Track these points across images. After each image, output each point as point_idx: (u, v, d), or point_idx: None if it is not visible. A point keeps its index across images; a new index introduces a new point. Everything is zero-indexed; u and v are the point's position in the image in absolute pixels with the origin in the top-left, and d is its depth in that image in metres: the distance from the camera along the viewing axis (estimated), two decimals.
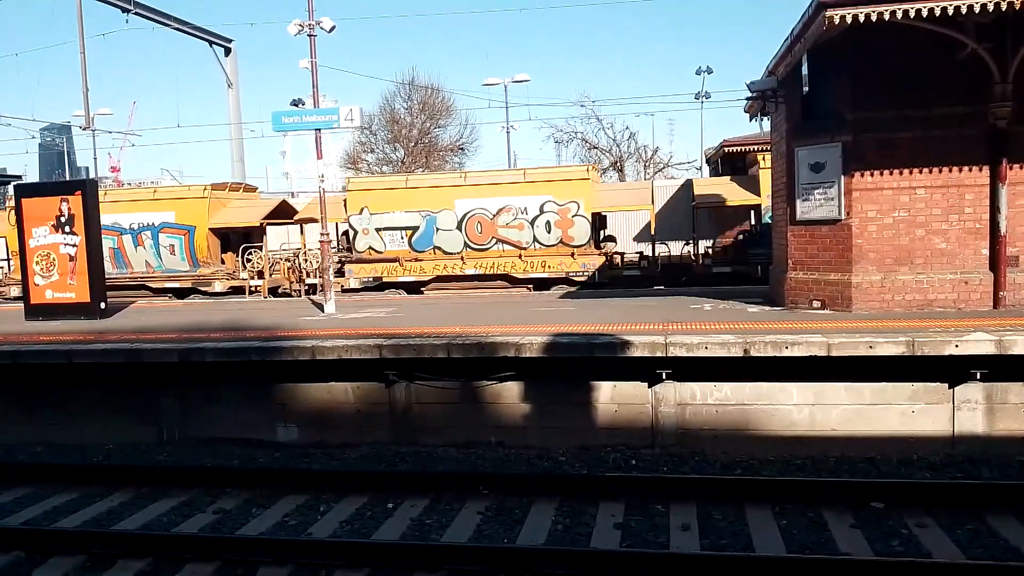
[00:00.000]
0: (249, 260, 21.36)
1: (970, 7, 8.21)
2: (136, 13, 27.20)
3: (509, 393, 9.51)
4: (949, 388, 8.55)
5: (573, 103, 56.17)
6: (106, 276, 21.07)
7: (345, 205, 20.82)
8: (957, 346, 8.15)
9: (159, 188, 24.14)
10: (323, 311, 13.91)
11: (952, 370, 8.43)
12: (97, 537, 6.62)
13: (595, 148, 43.27)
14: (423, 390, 9.64)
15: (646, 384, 9.12)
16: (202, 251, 21.18)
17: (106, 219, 20.63)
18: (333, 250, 22.29)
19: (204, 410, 10.25)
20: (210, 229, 21.29)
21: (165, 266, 21.52)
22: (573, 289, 18.52)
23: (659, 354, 8.75)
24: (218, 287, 20.98)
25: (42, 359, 10.35)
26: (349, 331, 10.75)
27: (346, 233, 22.17)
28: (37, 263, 14.26)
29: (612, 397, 9.29)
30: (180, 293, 21.15)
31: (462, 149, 46.13)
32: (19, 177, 32.45)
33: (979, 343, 8.13)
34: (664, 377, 8.93)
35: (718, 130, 76.17)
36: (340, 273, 20.77)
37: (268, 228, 22.22)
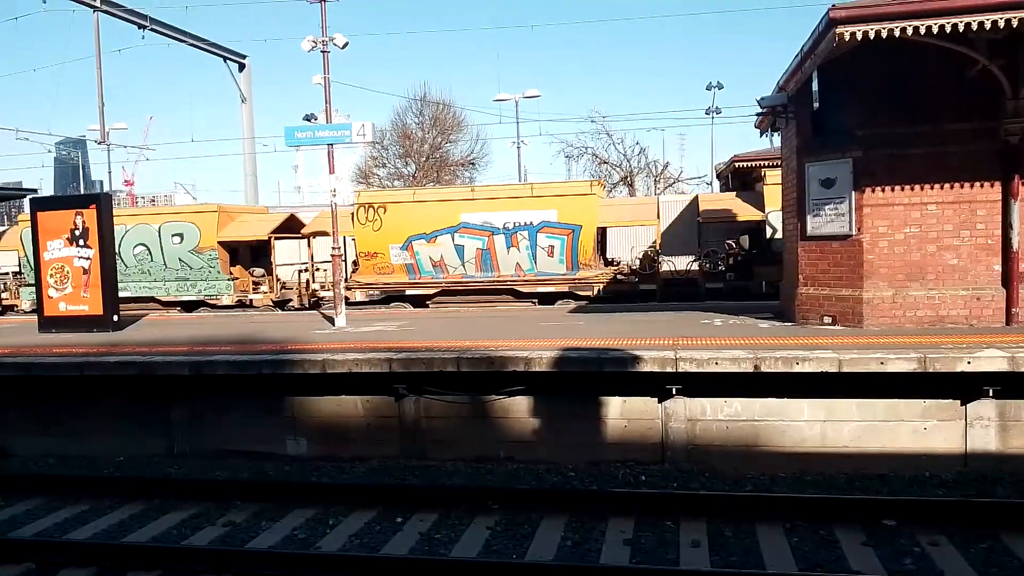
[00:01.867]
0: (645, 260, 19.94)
1: (981, 24, 8.22)
2: (152, 29, 27.54)
3: (518, 408, 9.50)
4: (961, 405, 8.49)
5: (584, 118, 56.36)
6: (469, 280, 19.97)
7: (762, 200, 19.18)
8: (969, 363, 8.10)
9: (537, 184, 22.31)
10: (334, 324, 13.95)
11: (964, 387, 8.37)
12: (108, 549, 6.65)
13: (605, 163, 43.40)
14: (433, 404, 9.65)
15: (656, 399, 9.10)
16: (586, 253, 19.24)
17: (476, 217, 19.62)
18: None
19: (215, 423, 10.29)
20: (597, 228, 19.59)
21: (538, 268, 19.66)
22: (583, 303, 18.51)
23: (669, 369, 8.73)
24: (599, 291, 19.30)
25: (54, 371, 10.43)
26: (359, 345, 10.78)
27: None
28: (51, 276, 14.40)
29: (622, 412, 9.27)
30: (550, 298, 19.19)
31: (473, 164, 46.40)
32: (35, 191, 32.73)
33: (992, 360, 8.08)
34: (674, 392, 8.90)
35: (729, 145, 76.06)
36: (747, 277, 19.44)
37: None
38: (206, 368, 9.94)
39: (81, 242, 14.21)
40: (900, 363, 8.21)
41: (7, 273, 26.42)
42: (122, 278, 21.26)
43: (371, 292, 20.85)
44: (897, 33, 8.42)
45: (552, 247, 19.38)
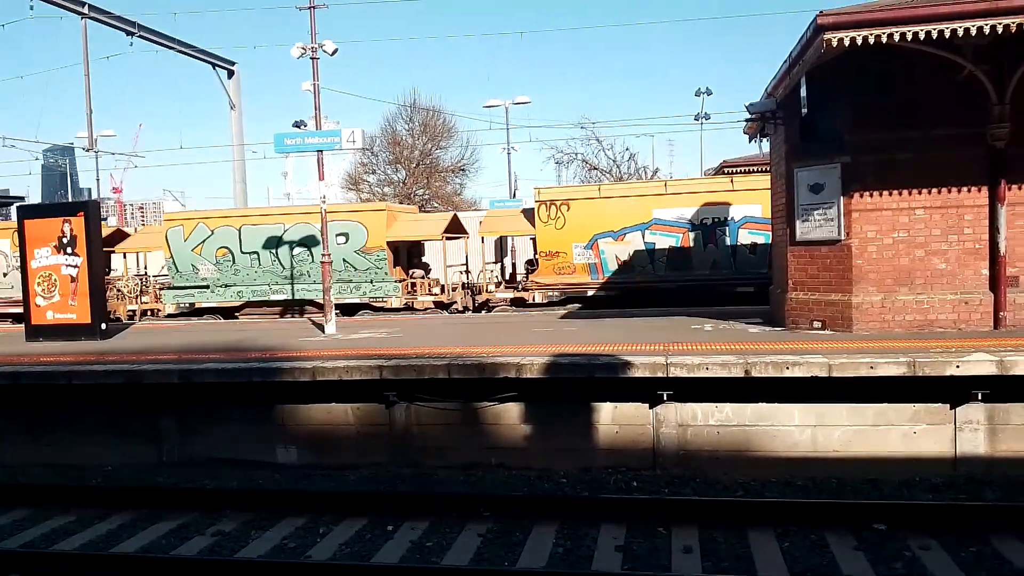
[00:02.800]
0: None
1: (967, 30, 8.29)
2: (140, 36, 27.46)
3: (510, 414, 9.48)
4: (951, 409, 8.52)
5: (573, 124, 56.50)
6: (659, 280, 18.27)
7: None
8: (958, 367, 8.14)
9: (739, 177, 20.92)
10: (324, 332, 13.91)
11: (953, 391, 8.40)
12: (96, 560, 6.59)
13: (595, 169, 43.54)
14: (423, 411, 9.62)
15: (647, 405, 9.10)
16: None
17: (670, 213, 18.35)
18: None
19: (204, 431, 10.22)
20: None
21: (737, 267, 18.51)
22: (575, 308, 18.51)
23: (660, 375, 8.74)
24: None
25: (42, 380, 10.34)
26: (350, 352, 10.75)
27: None
28: (39, 284, 14.30)
29: (613, 418, 9.26)
30: (750, 299, 17.27)
31: (463, 170, 46.45)
32: (22, 198, 32.58)
33: (980, 363, 8.12)
34: (665, 398, 8.91)
35: (718, 150, 76.43)
36: None
37: None
38: (195, 376, 9.88)
39: (69, 250, 14.12)
40: (889, 367, 8.24)
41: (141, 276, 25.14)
42: (278, 280, 20.52)
43: (550, 293, 19.74)
44: (884, 39, 8.48)
45: (755, 244, 18.16)
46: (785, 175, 11.40)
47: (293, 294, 20.50)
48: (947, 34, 8.36)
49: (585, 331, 12.34)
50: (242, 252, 20.81)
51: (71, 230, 14.09)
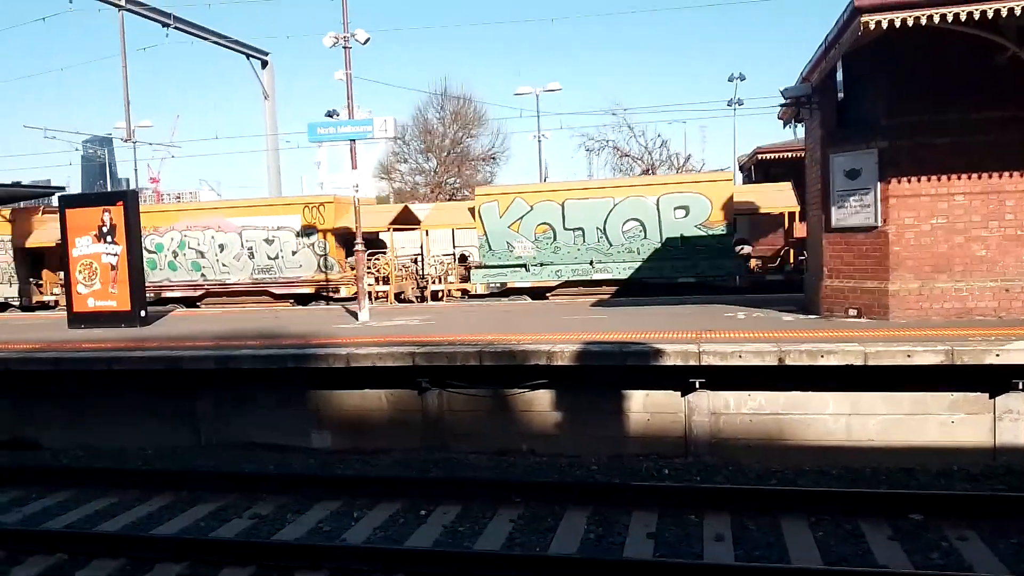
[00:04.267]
0: None
1: (1011, 10, 8.07)
2: (176, 27, 27.76)
3: (541, 401, 9.51)
4: (990, 398, 8.38)
5: (604, 111, 56.08)
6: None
7: None
8: (998, 355, 7.99)
9: None
10: (357, 319, 14.04)
11: (993, 380, 8.25)
12: (137, 541, 6.75)
13: (627, 156, 43.25)
14: (455, 398, 9.69)
15: (679, 393, 9.07)
16: None
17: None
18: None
19: (240, 416, 10.41)
20: None
21: None
22: (605, 297, 18.45)
23: (692, 363, 8.70)
24: None
25: (84, 366, 10.60)
26: (383, 339, 10.84)
27: None
28: (80, 272, 14.63)
29: (644, 406, 9.25)
30: None
31: (494, 159, 46.46)
32: (63, 188, 33.23)
33: (1020, 352, 7.95)
34: (697, 386, 8.86)
35: (751, 137, 75.48)
36: None
37: None
38: (231, 362, 10.05)
39: (109, 239, 14.42)
40: (927, 356, 8.11)
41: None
42: (603, 258, 19.16)
43: None
44: (924, 21, 8.29)
45: None
46: (820, 160, 11.23)
47: (619, 273, 19.31)
48: (990, 14, 8.14)
49: (616, 319, 12.31)
50: (565, 228, 19.46)
51: (111, 219, 14.37)
